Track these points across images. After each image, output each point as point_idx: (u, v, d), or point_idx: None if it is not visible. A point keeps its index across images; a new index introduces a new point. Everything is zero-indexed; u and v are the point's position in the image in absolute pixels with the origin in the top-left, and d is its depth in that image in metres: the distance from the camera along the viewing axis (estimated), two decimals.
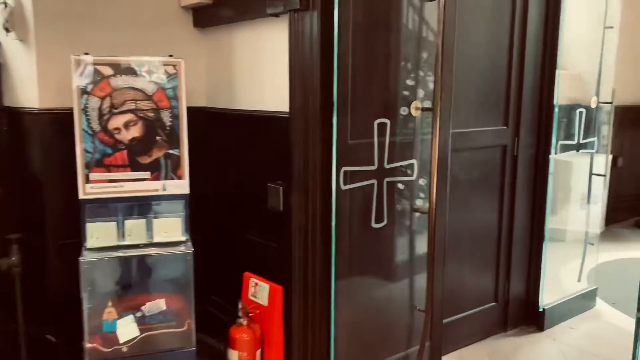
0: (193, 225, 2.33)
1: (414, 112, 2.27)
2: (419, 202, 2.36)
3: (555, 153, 3.04)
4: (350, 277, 2.23)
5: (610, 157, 3.40)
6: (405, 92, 2.25)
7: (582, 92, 3.26)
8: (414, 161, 2.31)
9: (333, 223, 2.08)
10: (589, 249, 3.46)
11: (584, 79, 3.35)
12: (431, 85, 2.28)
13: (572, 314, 3.33)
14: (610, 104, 3.29)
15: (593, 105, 3.25)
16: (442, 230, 2.47)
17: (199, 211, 2.48)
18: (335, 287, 2.13)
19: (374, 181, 2.17)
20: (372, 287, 2.33)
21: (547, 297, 3.17)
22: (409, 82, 2.27)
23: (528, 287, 3.21)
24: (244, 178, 2.57)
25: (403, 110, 2.24)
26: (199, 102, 2.82)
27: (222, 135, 2.73)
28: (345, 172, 2.07)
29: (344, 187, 2.07)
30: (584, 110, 3.23)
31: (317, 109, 2.06)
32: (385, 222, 2.23)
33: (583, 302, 3.41)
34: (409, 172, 2.30)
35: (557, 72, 2.94)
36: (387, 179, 2.21)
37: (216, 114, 2.77)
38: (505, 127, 2.92)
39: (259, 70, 2.43)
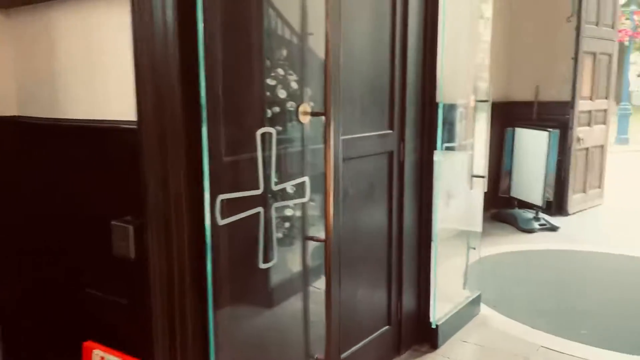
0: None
1: (302, 118, 1.82)
2: (312, 228, 1.92)
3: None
4: (236, 339, 1.70)
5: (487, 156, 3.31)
6: (291, 95, 1.79)
7: (460, 91, 3.10)
8: (305, 179, 1.85)
9: (209, 270, 1.54)
10: (471, 253, 3.34)
11: (460, 77, 3.20)
12: (318, 88, 1.85)
13: (462, 325, 3.17)
14: (486, 102, 3.18)
15: (472, 104, 3.11)
16: (338, 258, 2.07)
17: (9, 262, 1.75)
18: (216, 356, 1.59)
19: (260, 209, 1.67)
20: (264, 345, 1.83)
21: (439, 311, 2.96)
22: (293, 85, 1.82)
23: (419, 303, 2.97)
24: (77, 213, 1.90)
25: (290, 117, 1.78)
26: (5, 110, 2.06)
27: (43, 155, 2.01)
28: (222, 201, 1.55)
29: (221, 222, 1.54)
30: (463, 109, 3.08)
31: (177, 116, 1.50)
32: (275, 260, 1.75)
33: (470, 309, 3.28)
34: (300, 192, 1.85)
35: (440, 66, 2.72)
36: (275, 205, 1.73)
37: (33, 126, 2.04)
38: (391, 131, 2.62)
39: (93, 66, 1.78)
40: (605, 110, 6.12)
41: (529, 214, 5.42)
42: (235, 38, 1.64)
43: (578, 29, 5.54)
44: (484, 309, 3.39)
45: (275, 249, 1.74)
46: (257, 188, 1.65)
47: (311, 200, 1.91)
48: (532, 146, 5.48)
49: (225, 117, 1.59)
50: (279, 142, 1.73)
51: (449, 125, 3.02)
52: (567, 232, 5.25)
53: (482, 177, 3.17)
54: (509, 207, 5.65)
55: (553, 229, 5.30)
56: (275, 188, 1.70)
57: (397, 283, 2.79)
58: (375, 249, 2.65)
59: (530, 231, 5.24)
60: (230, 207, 1.58)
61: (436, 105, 2.81)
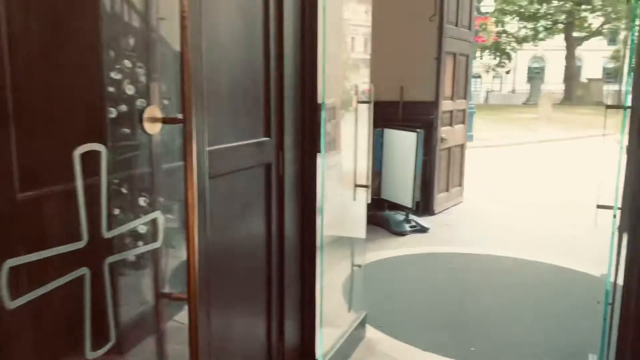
0: None
1: (149, 127, 1.25)
2: (168, 284, 1.37)
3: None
4: None
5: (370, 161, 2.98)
6: (130, 94, 1.22)
7: (336, 91, 2.71)
8: (156, 214, 1.29)
9: None
10: (356, 272, 3.00)
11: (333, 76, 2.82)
12: (173, 88, 1.31)
13: (349, 354, 2.81)
14: (369, 103, 2.84)
15: (354, 105, 2.75)
16: (207, 294, 1.55)
17: None
18: None
19: (85, 271, 1.08)
20: None
21: (325, 341, 2.56)
22: (140, 79, 1.24)
23: (304, 333, 2.55)
24: None
25: (132, 125, 1.21)
26: None
27: None
28: (14, 268, 0.94)
29: (12, 304, 0.93)
30: (343, 112, 2.70)
31: None
32: (112, 342, 1.17)
33: (357, 334, 2.94)
34: (148, 235, 1.28)
35: (323, 62, 2.31)
36: (109, 259, 1.15)
37: None
38: (267, 138, 2.14)
39: None
40: (464, 110, 6.28)
41: (400, 216, 5.31)
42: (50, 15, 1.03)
43: (440, 28, 5.56)
44: (369, 331, 3.08)
45: (113, 323, 1.16)
46: (79, 239, 1.06)
47: (170, 246, 1.35)
48: (401, 147, 5.38)
49: (22, 130, 0.98)
50: (115, 162, 1.16)
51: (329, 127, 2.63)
52: (436, 233, 5.23)
53: (366, 186, 2.82)
54: (380, 210, 5.50)
55: (423, 230, 5.25)
56: (108, 235, 1.12)
57: (278, 312, 2.33)
58: (254, 274, 2.17)
59: (402, 234, 5.13)
60: (31, 276, 0.98)
61: (318, 106, 2.39)
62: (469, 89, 6.44)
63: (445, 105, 5.80)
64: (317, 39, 2.36)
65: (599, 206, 2.34)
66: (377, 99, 3.03)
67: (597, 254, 4.58)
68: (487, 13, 17.19)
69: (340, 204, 2.82)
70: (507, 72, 35.42)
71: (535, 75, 31.13)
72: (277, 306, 2.33)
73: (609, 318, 2.35)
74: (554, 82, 29.77)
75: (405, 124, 5.56)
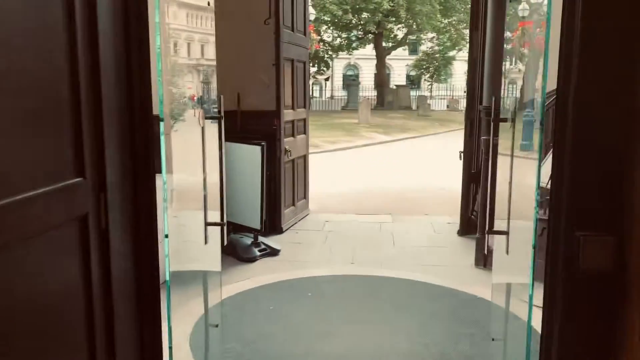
0: None
1: None
2: None
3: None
4: None
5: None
6: None
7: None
8: None
9: None
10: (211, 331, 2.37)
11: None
12: None
13: None
14: (220, 117, 2.25)
15: (201, 124, 2.13)
16: None
17: None
18: None
19: None
20: None
21: None
22: None
23: None
24: None
25: None
26: None
27: None
28: None
29: None
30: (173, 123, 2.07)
31: None
32: None
33: None
34: None
35: (158, 69, 1.66)
36: None
37: None
38: (81, 179, 1.42)
39: None
40: (304, 120, 5.96)
41: (248, 240, 4.75)
42: None
43: (277, 32, 5.14)
44: None
45: None
46: None
47: None
48: (243, 162, 4.82)
49: None
50: None
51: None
52: (288, 254, 4.79)
53: (221, 224, 2.22)
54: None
55: (274, 253, 4.76)
56: None
57: None
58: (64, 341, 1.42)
59: (252, 260, 4.58)
60: None
61: (153, 120, 1.73)
62: (308, 97, 6.15)
63: (287, 114, 5.40)
64: (147, 30, 1.70)
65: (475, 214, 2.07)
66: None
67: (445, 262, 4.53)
68: (310, 21, 17.51)
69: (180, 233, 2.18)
70: (327, 80, 37.06)
71: (351, 82, 32.93)
72: None
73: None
74: (367, 88, 31.79)
75: (245, 136, 5.02)
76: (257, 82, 5.25)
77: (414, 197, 7.74)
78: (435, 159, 12.10)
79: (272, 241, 4.93)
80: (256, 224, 4.71)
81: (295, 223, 5.73)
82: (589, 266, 1.60)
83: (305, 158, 6.03)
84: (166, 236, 1.79)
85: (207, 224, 2.18)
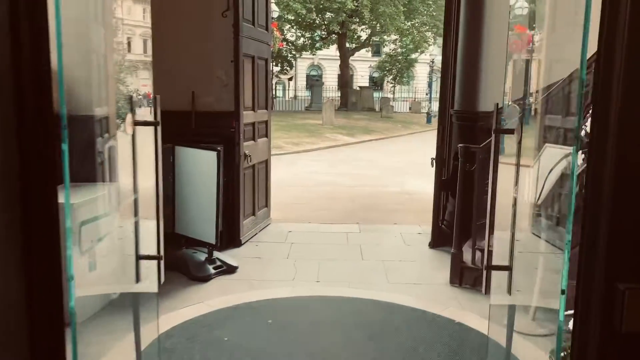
0: None
1: None
2: None
3: None
4: None
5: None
6: None
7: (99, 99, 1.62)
8: None
9: None
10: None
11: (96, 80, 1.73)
12: None
13: None
14: (155, 124, 1.78)
15: (128, 130, 1.66)
16: None
17: None
18: None
19: None
20: None
21: None
22: None
23: None
24: None
25: None
26: None
27: None
28: None
29: None
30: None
31: None
32: None
33: None
34: None
35: (58, 42, 1.20)
36: None
37: None
38: None
39: None
40: (266, 122, 5.50)
41: (201, 256, 4.26)
42: None
43: (236, 25, 4.67)
44: None
45: None
46: None
47: None
48: (197, 168, 4.33)
49: None
50: None
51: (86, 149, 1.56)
52: (247, 271, 4.32)
53: (157, 257, 1.76)
54: (175, 247, 4.37)
55: (231, 270, 4.28)
56: None
57: None
58: None
59: (206, 279, 4.10)
60: None
61: (53, 120, 1.26)
62: (271, 97, 5.70)
63: (247, 116, 4.94)
64: (46, 18, 1.23)
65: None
66: (163, 109, 2.01)
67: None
68: (273, 19, 17.02)
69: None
70: (290, 79, 36.57)
71: (315, 82, 32.54)
72: None
73: None
74: (331, 89, 31.48)
75: (200, 139, 4.53)
76: (214, 80, 4.77)
77: (382, 202, 7.40)
78: (401, 163, 11.84)
79: (229, 256, 4.46)
80: (211, 238, 4.23)
81: (256, 234, 5.27)
82: (634, 329, 1.23)
83: (267, 163, 5.57)
84: (71, 278, 1.32)
85: (138, 257, 1.71)
